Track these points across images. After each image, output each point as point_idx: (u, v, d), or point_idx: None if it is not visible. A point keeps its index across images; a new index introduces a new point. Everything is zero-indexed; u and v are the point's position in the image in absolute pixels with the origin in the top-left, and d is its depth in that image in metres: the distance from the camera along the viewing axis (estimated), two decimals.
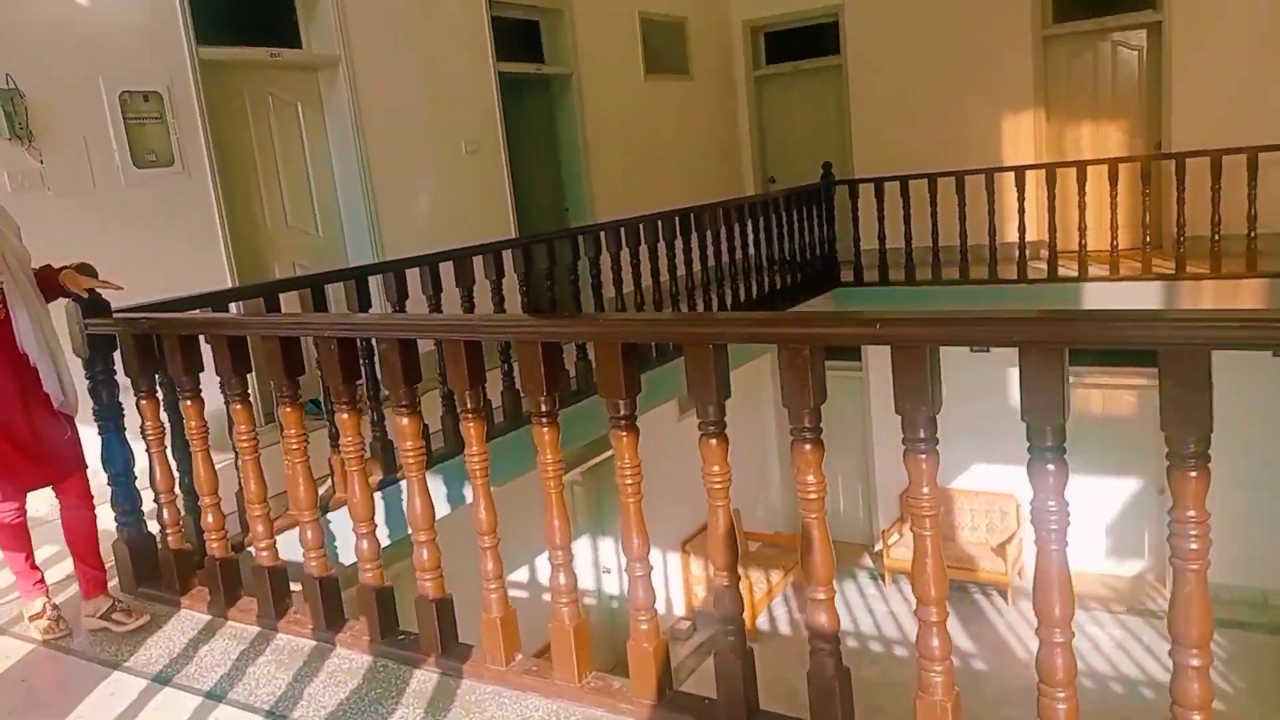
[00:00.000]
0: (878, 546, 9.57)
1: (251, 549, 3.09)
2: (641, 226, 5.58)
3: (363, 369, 3.79)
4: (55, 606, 3.06)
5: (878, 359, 8.95)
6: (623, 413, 2.07)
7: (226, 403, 2.88)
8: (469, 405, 2.32)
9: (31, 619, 3.02)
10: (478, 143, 6.94)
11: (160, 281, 4.88)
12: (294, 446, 2.75)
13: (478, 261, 4.66)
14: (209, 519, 3.04)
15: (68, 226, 4.51)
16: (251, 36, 5.54)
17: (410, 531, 2.53)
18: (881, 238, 7.64)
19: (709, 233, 6.19)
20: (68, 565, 3.48)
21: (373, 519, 2.69)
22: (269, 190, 5.74)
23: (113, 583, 3.33)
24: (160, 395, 3.16)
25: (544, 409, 2.19)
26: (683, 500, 6.08)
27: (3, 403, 2.85)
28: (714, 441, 1.98)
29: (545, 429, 2.21)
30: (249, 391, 2.88)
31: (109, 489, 3.26)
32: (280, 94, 5.77)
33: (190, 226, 5.09)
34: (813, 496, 1.87)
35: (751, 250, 6.80)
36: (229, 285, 5.21)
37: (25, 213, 4.34)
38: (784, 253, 7.25)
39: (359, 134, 5.98)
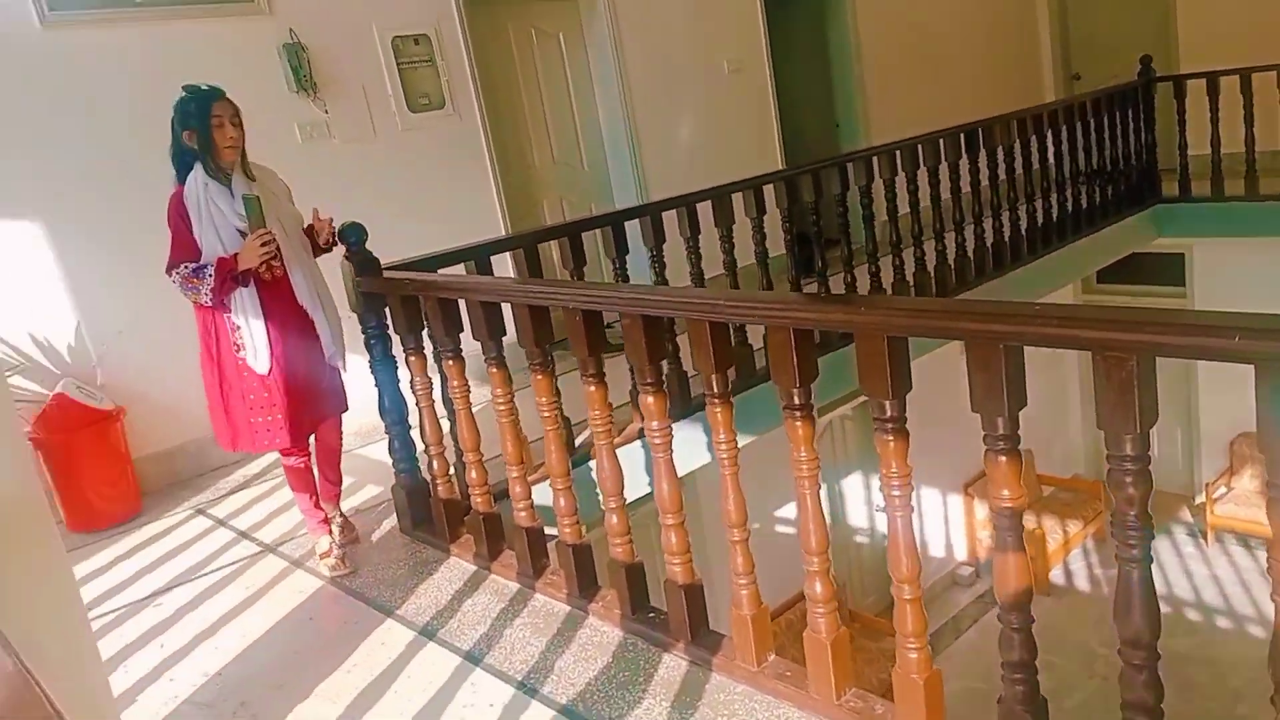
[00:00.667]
0: (1199, 499, 8.36)
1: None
2: (921, 148, 5.03)
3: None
4: (341, 546, 3.29)
5: (1205, 287, 7.76)
6: (889, 414, 1.77)
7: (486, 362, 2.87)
8: (715, 389, 2.11)
9: (321, 556, 3.26)
10: (740, 61, 6.59)
11: (436, 223, 5.07)
12: (545, 414, 2.69)
13: (737, 199, 4.39)
14: (472, 475, 3.10)
15: (352, 173, 4.76)
16: None
17: (659, 514, 2.40)
18: (1215, 143, 6.46)
19: (1000, 149, 5.49)
20: (359, 499, 3.77)
21: (622, 492, 2.59)
22: (535, 126, 5.77)
23: (391, 524, 3.54)
24: (428, 351, 3.23)
25: (798, 401, 1.93)
26: (966, 439, 5.56)
27: (290, 355, 3.02)
28: (1004, 459, 1.64)
29: (799, 423, 1.95)
30: (504, 354, 2.85)
31: (384, 434, 3.43)
32: (542, 26, 5.73)
33: (463, 166, 5.23)
34: (1134, 542, 1.49)
35: (1053, 163, 5.98)
36: (500, 224, 5.33)
37: (313, 161, 4.63)
38: (1092, 164, 6.32)
39: (620, 61, 5.84)
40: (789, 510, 6.69)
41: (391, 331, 3.27)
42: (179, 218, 2.92)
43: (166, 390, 4.12)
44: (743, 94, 6.65)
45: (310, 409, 3.14)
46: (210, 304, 2.91)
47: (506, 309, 2.82)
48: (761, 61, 6.69)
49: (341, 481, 3.46)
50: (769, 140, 6.82)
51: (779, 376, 1.93)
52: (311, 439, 3.27)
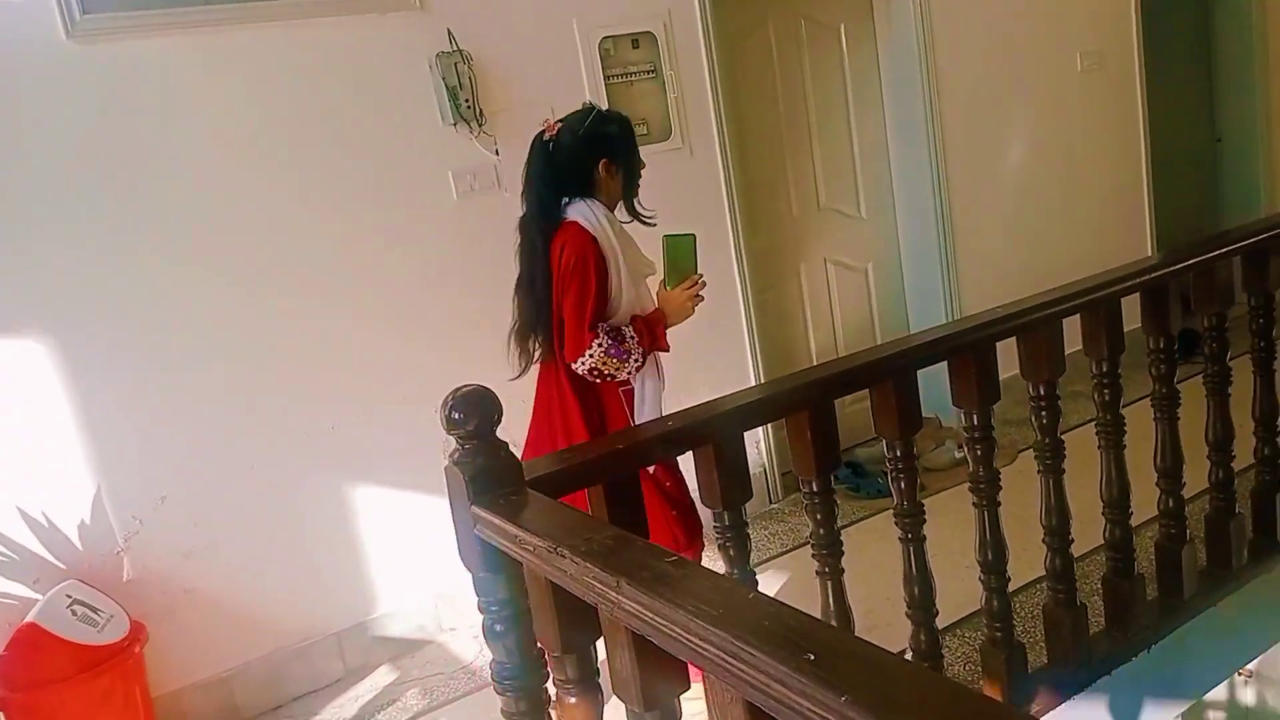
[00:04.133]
0: None
1: None
2: None
3: None
4: None
5: None
6: None
7: None
8: None
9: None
10: (1100, 54, 4.57)
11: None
12: None
13: (1129, 306, 2.39)
14: None
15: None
16: None
17: None
18: None
19: None
20: None
21: None
22: (798, 161, 4.01)
23: None
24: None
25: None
26: None
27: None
28: None
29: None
30: None
31: None
32: (817, 16, 3.96)
33: (691, 221, 3.55)
34: None
35: None
36: (739, 305, 3.64)
37: (471, 225, 3.04)
38: None
39: (925, 61, 3.99)
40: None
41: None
42: (600, 260, 2.23)
43: (230, 584, 2.70)
44: (1099, 98, 4.62)
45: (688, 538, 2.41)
46: (632, 375, 2.28)
47: None
48: (1130, 53, 4.64)
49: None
50: (1130, 154, 4.77)
51: None
52: None
